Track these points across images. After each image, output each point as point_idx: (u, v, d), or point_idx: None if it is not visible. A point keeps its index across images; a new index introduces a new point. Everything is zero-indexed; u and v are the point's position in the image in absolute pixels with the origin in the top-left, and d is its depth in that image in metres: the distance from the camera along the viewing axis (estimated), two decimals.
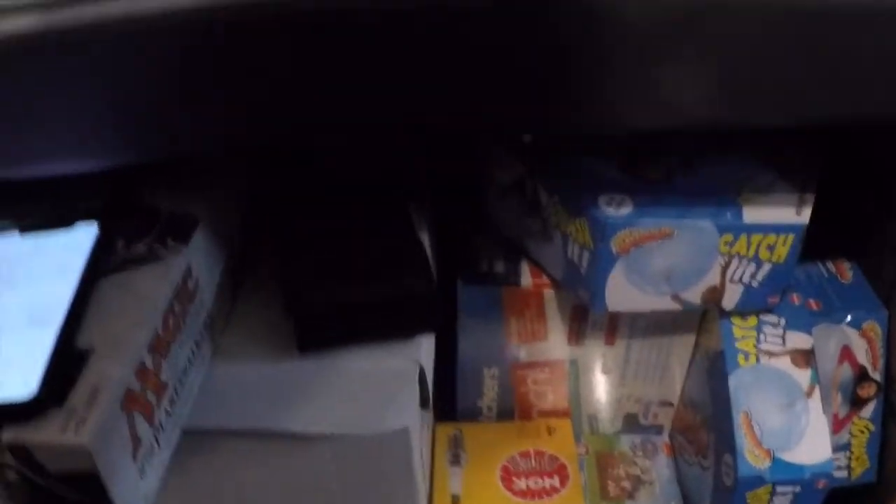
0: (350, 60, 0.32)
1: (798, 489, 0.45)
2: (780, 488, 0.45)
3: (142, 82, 0.33)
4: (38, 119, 0.35)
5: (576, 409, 0.55)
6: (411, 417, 0.41)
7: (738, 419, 0.45)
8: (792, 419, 0.46)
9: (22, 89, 0.33)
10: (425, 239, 0.47)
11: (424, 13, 0.31)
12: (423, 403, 0.42)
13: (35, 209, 0.41)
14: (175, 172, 0.44)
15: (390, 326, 0.41)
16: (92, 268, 0.37)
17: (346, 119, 0.36)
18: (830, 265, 0.54)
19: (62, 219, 0.40)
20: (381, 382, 0.41)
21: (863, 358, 0.51)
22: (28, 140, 0.36)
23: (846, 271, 0.53)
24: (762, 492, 0.45)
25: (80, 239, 0.38)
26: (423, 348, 0.42)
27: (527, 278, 0.49)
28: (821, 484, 0.45)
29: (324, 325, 0.40)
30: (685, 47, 0.33)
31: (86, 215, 0.40)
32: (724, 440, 0.46)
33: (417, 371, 0.41)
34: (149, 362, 0.35)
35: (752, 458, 0.45)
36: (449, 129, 0.40)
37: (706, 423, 0.49)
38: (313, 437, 0.41)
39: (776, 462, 0.45)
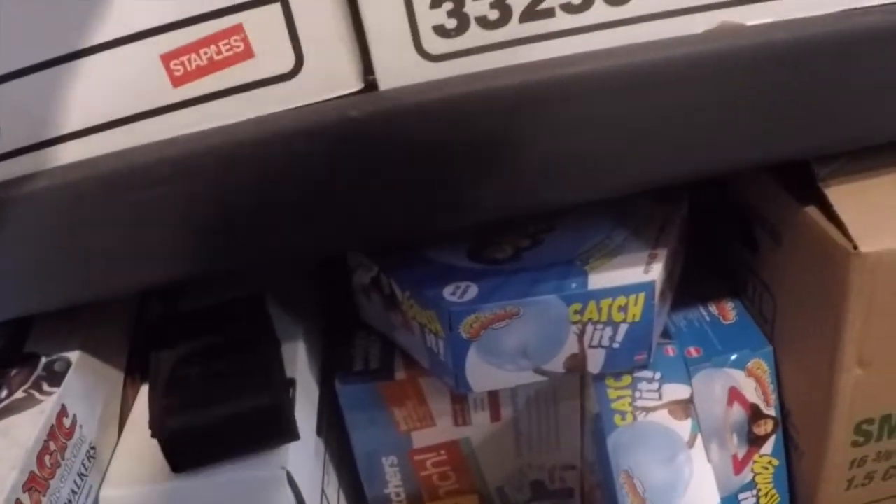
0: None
1: None
2: None
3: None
4: None
5: (481, 485, 0.57)
6: None
7: (620, 479, 0.48)
8: (675, 472, 0.48)
9: None
10: (300, 344, 0.51)
11: None
12: None
13: None
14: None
15: (250, 439, 0.44)
16: None
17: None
18: (713, 308, 0.56)
19: None
20: (256, 492, 0.44)
21: (753, 396, 0.53)
22: None
23: (729, 312, 0.56)
24: None
25: None
26: (291, 454, 0.45)
27: (401, 371, 0.52)
28: None
29: (185, 446, 0.43)
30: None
31: None
32: (610, 501, 0.48)
33: (285, 477, 0.44)
34: (26, 501, 0.38)
35: None
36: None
37: (601, 485, 0.52)
38: None
39: None
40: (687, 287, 0.55)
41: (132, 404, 0.51)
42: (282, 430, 0.44)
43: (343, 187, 0.38)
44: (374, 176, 0.37)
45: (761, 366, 0.53)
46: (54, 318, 0.48)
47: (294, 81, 0.38)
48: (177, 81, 0.37)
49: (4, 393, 0.44)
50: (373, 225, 0.39)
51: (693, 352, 0.53)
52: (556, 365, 0.48)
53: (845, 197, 0.44)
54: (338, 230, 0.39)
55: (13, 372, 0.45)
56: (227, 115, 0.38)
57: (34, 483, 0.39)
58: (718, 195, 0.56)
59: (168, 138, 0.38)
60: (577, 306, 0.46)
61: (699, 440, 0.49)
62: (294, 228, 0.39)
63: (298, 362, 0.50)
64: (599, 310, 0.47)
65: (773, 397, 0.53)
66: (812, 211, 0.46)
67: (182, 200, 0.38)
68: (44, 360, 0.46)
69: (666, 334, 0.53)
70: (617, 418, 0.49)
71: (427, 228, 0.40)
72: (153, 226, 0.39)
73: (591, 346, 0.48)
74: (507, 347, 0.47)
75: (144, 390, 0.51)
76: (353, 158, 0.37)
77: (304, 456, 0.47)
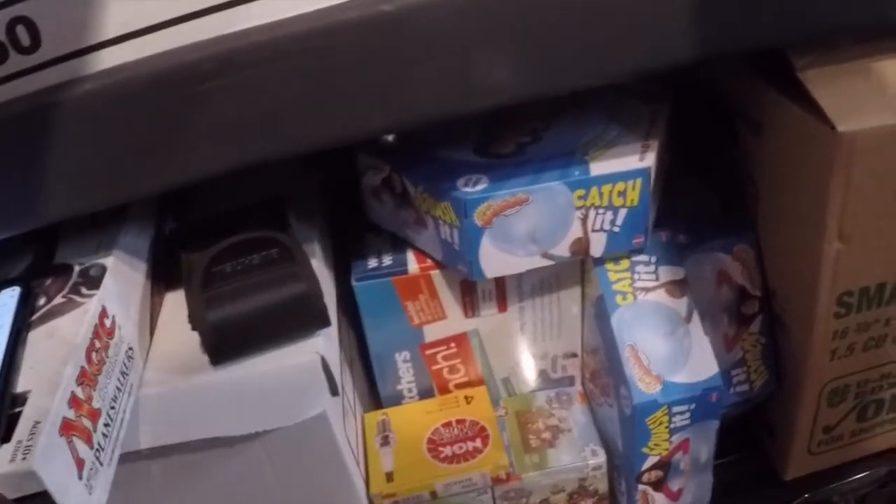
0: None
1: (693, 406, 0.54)
2: (675, 408, 0.54)
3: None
4: None
5: (489, 376, 0.64)
6: (325, 403, 0.50)
7: (626, 353, 0.55)
8: (675, 344, 0.55)
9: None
10: (316, 246, 0.56)
11: None
12: (333, 391, 0.51)
13: None
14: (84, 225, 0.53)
15: (286, 328, 0.49)
16: (18, 325, 0.46)
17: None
18: (698, 199, 0.63)
19: None
20: (292, 378, 0.50)
21: (739, 278, 0.60)
22: None
23: (714, 203, 0.63)
24: (660, 414, 0.54)
25: (6, 301, 0.47)
26: (323, 341, 0.50)
27: (413, 265, 0.58)
28: (714, 397, 0.54)
29: (226, 338, 0.48)
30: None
31: (8, 283, 0.49)
32: (618, 375, 0.55)
33: (320, 362, 0.49)
34: (80, 393, 0.43)
35: (644, 386, 0.54)
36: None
37: (604, 365, 0.59)
38: (244, 437, 0.50)
39: (667, 385, 0.54)
40: (673, 182, 0.62)
41: (160, 310, 0.56)
42: (315, 317, 0.50)
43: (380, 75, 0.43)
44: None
45: (746, 250, 0.60)
46: (79, 231, 0.53)
47: None
48: None
49: (43, 300, 0.48)
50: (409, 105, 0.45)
51: (682, 239, 0.60)
52: (562, 249, 0.55)
53: (821, 84, 0.50)
54: (377, 113, 0.45)
55: (48, 281, 0.50)
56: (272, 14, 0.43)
57: (85, 378, 0.44)
58: (700, 95, 0.63)
59: (215, 36, 0.43)
60: (581, 192, 0.53)
61: (696, 316, 0.56)
62: (339, 113, 0.44)
63: (315, 262, 0.55)
64: (601, 195, 0.53)
65: (757, 279, 0.61)
66: (791, 98, 0.52)
67: (230, 95, 0.43)
68: (77, 267, 0.50)
69: (657, 224, 0.60)
70: (619, 298, 0.56)
71: (458, 110, 0.45)
72: (198, 122, 0.44)
73: (594, 230, 0.55)
74: (517, 233, 0.54)
75: (171, 297, 0.57)
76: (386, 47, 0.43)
77: (331, 348, 0.52)
